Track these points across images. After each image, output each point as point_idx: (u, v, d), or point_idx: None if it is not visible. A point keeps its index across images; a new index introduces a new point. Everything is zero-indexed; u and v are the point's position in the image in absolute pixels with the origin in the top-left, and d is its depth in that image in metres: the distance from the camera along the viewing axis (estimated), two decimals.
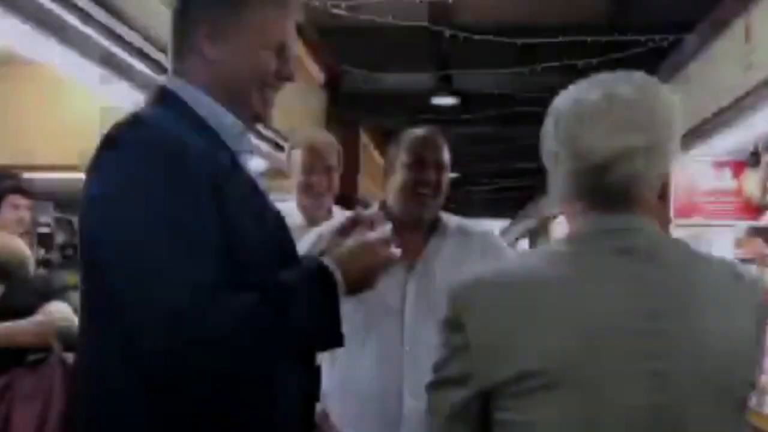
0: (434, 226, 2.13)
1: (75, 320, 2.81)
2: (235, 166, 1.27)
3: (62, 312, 2.80)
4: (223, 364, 1.09)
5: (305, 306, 1.16)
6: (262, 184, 1.35)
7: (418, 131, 2.16)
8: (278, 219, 1.35)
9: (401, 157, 2.10)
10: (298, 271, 1.23)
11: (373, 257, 1.28)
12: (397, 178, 2.09)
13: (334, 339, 1.23)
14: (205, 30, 1.28)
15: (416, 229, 2.10)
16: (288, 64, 1.35)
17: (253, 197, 1.29)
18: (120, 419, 1.15)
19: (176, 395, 1.12)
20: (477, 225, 2.28)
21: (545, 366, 1.07)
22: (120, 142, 1.16)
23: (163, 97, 1.30)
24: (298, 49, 1.38)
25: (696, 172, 5.62)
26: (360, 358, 1.98)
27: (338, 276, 1.21)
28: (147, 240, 1.07)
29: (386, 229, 1.34)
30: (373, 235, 1.31)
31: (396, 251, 1.33)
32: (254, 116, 1.36)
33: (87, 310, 1.23)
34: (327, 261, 1.24)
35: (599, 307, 1.10)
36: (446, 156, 2.15)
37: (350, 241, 1.30)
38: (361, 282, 1.28)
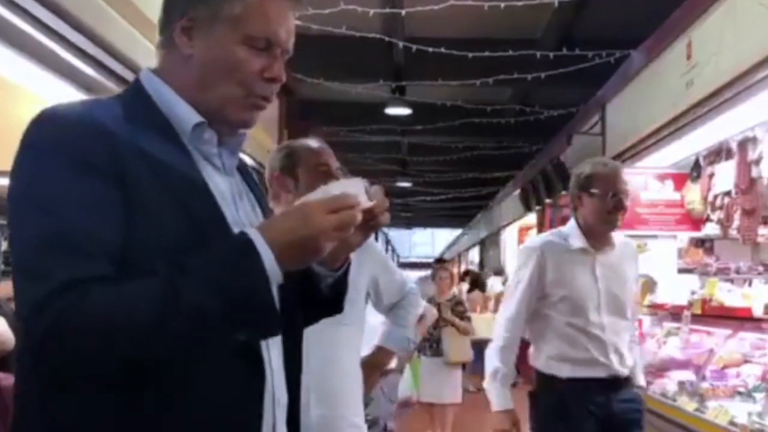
0: None
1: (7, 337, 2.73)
2: (176, 159, 1.15)
3: None
4: (99, 355, 0.99)
5: (205, 285, 1.00)
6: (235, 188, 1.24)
7: (312, 142, 2.29)
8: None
9: (311, 164, 2.21)
10: (209, 247, 1.05)
11: (311, 223, 1.06)
12: (308, 183, 2.17)
13: (261, 322, 1.06)
14: (182, 23, 1.19)
15: None
16: (275, 64, 1.21)
17: (190, 191, 1.14)
18: (24, 417, 1.10)
19: (69, 392, 1.05)
20: None
21: None
22: (23, 140, 1.11)
23: (130, 88, 1.24)
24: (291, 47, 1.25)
25: (640, 184, 5.77)
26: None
27: (262, 247, 1.03)
28: (27, 238, 1.03)
29: (347, 191, 1.12)
30: (313, 197, 1.10)
31: (357, 215, 1.09)
32: (235, 120, 1.22)
33: None
34: (252, 231, 1.06)
35: None
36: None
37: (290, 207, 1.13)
38: (297, 254, 1.07)
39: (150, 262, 1.03)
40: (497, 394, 2.89)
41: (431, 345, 6.23)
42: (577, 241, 2.91)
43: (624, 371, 2.88)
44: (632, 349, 3.01)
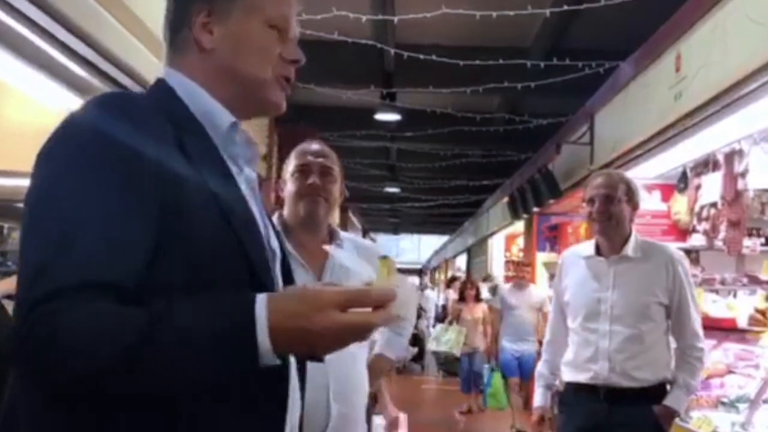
0: (331, 236, 2.28)
1: None
2: (218, 177, 1.10)
3: None
4: (65, 373, 0.91)
5: (186, 345, 0.91)
6: (256, 195, 1.21)
7: (302, 145, 2.32)
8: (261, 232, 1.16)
9: (289, 168, 2.26)
10: (213, 302, 0.95)
11: (315, 319, 0.92)
12: (289, 187, 2.24)
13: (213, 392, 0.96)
14: (201, 18, 1.15)
15: (314, 234, 2.22)
16: (292, 44, 1.20)
17: (234, 205, 1.09)
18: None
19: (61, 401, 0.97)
20: (361, 238, 2.58)
21: None
22: (67, 128, 1.04)
23: (156, 88, 1.17)
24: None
25: None
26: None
27: (261, 325, 0.91)
28: (43, 234, 0.96)
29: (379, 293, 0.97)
30: (333, 291, 0.95)
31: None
32: (269, 103, 1.20)
33: None
34: (261, 303, 0.93)
35: None
36: (333, 162, 2.27)
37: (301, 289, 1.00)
38: (295, 344, 0.95)
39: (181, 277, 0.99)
40: (535, 393, 3.18)
41: None
42: (588, 249, 3.02)
43: (619, 382, 2.81)
44: (680, 367, 2.88)
